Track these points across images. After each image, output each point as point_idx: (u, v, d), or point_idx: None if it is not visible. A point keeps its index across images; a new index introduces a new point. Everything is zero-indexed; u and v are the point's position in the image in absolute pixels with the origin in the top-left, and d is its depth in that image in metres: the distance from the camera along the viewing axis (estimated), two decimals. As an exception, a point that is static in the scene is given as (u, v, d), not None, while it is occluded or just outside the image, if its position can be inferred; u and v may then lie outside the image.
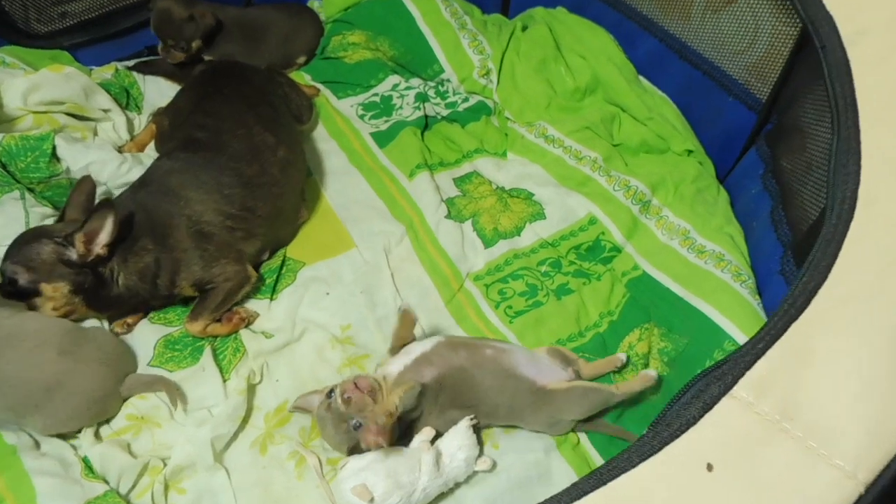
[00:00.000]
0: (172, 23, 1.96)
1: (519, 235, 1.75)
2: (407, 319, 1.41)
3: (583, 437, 1.41)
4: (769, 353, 0.62)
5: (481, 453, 1.33)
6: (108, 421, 1.40)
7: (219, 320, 1.52)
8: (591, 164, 1.82)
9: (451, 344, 1.38)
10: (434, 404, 1.32)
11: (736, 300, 1.46)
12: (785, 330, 0.63)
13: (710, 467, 0.56)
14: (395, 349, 1.40)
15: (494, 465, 1.34)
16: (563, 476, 1.35)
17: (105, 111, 1.87)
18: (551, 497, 0.56)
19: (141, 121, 1.97)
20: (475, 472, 1.32)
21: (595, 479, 0.54)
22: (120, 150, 1.83)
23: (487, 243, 1.73)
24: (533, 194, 1.81)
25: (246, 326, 1.55)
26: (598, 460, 1.39)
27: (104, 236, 1.37)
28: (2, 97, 1.71)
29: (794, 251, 1.40)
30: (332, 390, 1.28)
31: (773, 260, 1.47)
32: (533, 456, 1.37)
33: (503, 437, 1.40)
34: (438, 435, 1.32)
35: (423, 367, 1.33)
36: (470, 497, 1.31)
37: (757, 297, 1.47)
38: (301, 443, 1.38)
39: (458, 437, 1.28)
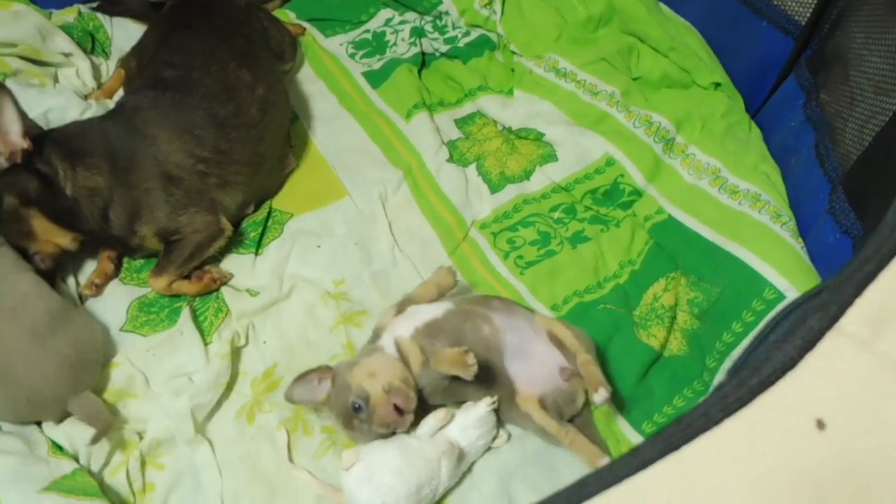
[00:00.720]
0: None
1: (528, 179, 1.59)
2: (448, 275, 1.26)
3: (604, 398, 1.27)
4: (883, 275, 0.46)
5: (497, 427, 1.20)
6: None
7: (187, 277, 1.37)
8: (607, 100, 1.65)
9: (461, 313, 1.22)
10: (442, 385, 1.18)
11: (776, 243, 1.29)
12: (903, 245, 0.47)
13: (820, 425, 0.40)
14: (403, 307, 1.25)
15: (509, 436, 1.20)
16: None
17: (66, 55, 1.70)
18: (610, 463, 0.40)
19: (109, 67, 1.81)
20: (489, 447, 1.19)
21: (662, 443, 0.39)
22: (86, 98, 1.67)
23: (494, 188, 1.57)
24: (543, 134, 1.64)
25: (218, 288, 1.40)
26: (623, 425, 1.25)
27: (10, 122, 1.25)
28: (-57, 38, 1.54)
29: (845, 187, 1.23)
30: (358, 405, 1.11)
31: (819, 199, 1.30)
32: (550, 421, 1.23)
33: (516, 400, 1.25)
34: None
35: (436, 333, 1.19)
36: (482, 471, 1.17)
37: (800, 240, 1.31)
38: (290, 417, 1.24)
39: (479, 426, 1.14)
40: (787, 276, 1.24)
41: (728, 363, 1.25)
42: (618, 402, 1.26)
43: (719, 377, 1.26)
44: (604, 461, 1.14)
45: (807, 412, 0.41)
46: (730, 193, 1.43)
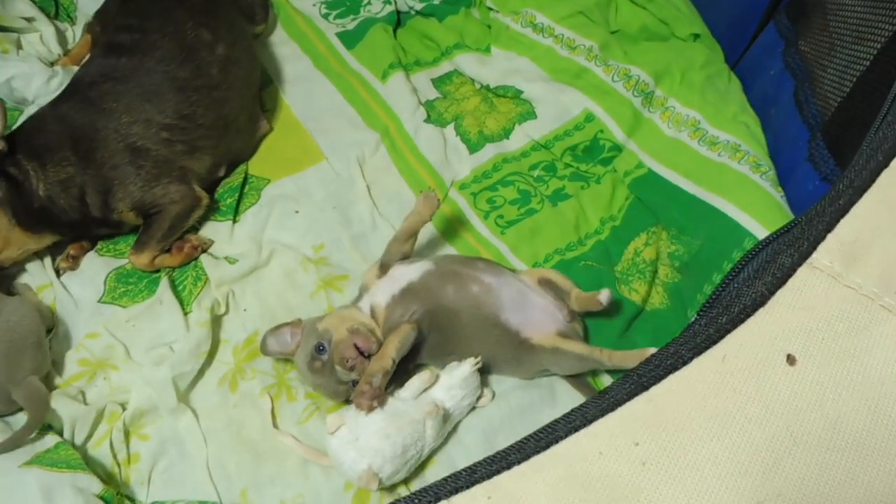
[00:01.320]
0: None
1: (507, 138, 1.57)
2: (429, 202, 1.24)
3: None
4: (856, 209, 0.45)
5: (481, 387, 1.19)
6: (57, 370, 1.25)
7: (168, 250, 1.35)
8: (585, 54, 1.62)
9: (441, 273, 1.21)
10: (424, 344, 1.18)
11: (756, 193, 1.29)
12: (874, 179, 0.46)
13: (790, 360, 0.40)
14: (401, 239, 1.25)
15: (493, 395, 1.20)
16: (569, 397, 1.22)
17: (28, 20, 1.64)
18: (580, 406, 0.39)
19: (75, 32, 1.75)
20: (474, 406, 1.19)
21: (631, 384, 0.38)
22: (52, 64, 1.62)
23: (473, 148, 1.55)
24: (521, 91, 1.61)
25: (199, 255, 1.38)
26: (607, 382, 1.25)
27: None
28: None
29: (825, 134, 1.22)
30: (321, 346, 1.11)
31: (799, 146, 1.29)
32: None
33: (500, 359, 1.25)
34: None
35: (410, 300, 1.18)
36: (467, 430, 1.18)
37: (779, 189, 1.30)
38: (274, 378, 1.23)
39: (463, 386, 1.14)
40: (767, 225, 1.24)
41: (709, 314, 1.26)
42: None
43: (700, 328, 1.26)
44: (651, 350, 1.14)
45: (778, 347, 0.40)
46: (709, 145, 1.42)
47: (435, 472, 1.14)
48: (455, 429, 1.18)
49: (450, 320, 1.18)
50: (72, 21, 1.77)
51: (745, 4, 1.59)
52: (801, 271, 0.43)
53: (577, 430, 0.38)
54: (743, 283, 0.43)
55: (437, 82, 1.68)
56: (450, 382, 1.14)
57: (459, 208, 1.45)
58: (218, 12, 1.50)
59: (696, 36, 1.64)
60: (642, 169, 1.46)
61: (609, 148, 1.52)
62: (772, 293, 0.42)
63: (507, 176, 1.50)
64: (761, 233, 1.23)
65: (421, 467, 1.14)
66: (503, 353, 1.19)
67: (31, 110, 1.50)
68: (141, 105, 1.33)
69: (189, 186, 1.36)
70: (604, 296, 1.15)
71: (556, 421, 0.40)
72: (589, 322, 1.30)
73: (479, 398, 1.19)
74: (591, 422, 0.38)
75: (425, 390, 1.15)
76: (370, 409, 1.07)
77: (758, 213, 1.25)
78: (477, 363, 1.15)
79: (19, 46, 1.63)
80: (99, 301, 1.34)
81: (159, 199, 1.32)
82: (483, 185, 1.49)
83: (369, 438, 1.06)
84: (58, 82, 1.52)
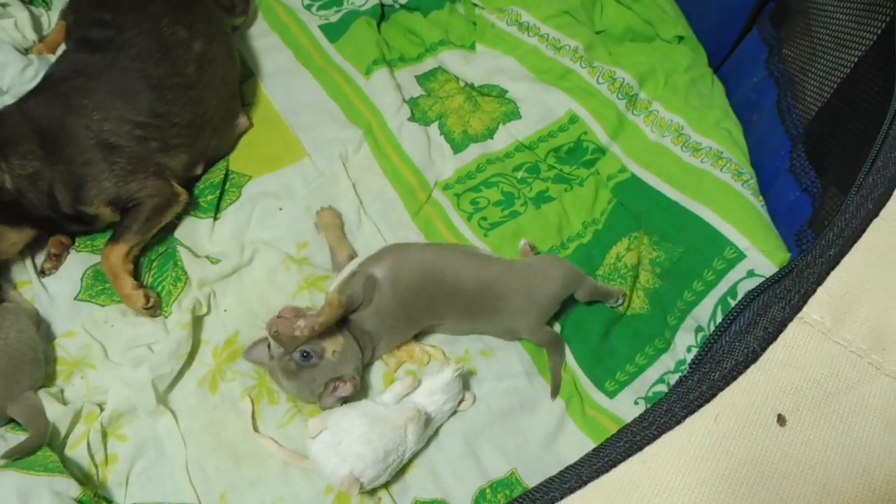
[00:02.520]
0: None
1: (491, 138, 1.56)
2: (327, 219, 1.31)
3: (568, 357, 1.29)
4: (846, 260, 0.45)
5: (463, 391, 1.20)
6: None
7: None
8: (570, 55, 1.61)
9: (399, 245, 1.27)
10: (399, 319, 1.20)
11: (738, 202, 1.30)
12: (864, 229, 0.46)
13: (781, 420, 0.40)
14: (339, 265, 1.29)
15: (475, 399, 1.21)
16: (549, 403, 1.24)
17: (3, 6, 1.60)
18: (573, 465, 0.40)
19: (51, 17, 1.70)
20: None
21: (625, 443, 0.38)
22: (27, 51, 1.58)
23: (456, 148, 1.54)
24: (506, 91, 1.60)
25: None
26: (585, 382, 1.27)
27: None
28: None
29: (806, 145, 1.23)
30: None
31: (780, 156, 1.31)
32: (513, 382, 1.26)
33: (480, 361, 1.26)
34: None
35: (371, 264, 1.21)
36: (448, 434, 1.19)
37: (760, 198, 1.32)
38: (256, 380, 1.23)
39: (445, 391, 1.15)
40: (747, 234, 1.25)
41: (690, 321, 1.27)
42: (581, 362, 1.28)
43: (680, 335, 1.28)
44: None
45: (769, 406, 0.41)
46: (692, 151, 1.43)
47: (415, 476, 1.15)
48: (436, 432, 1.18)
49: (423, 274, 1.20)
50: (47, 6, 1.72)
51: (728, 7, 1.59)
52: (792, 327, 0.44)
53: (572, 491, 0.38)
54: (735, 336, 0.43)
55: (422, 79, 1.67)
56: (432, 387, 1.15)
57: (443, 209, 1.45)
58: (194, 6, 1.46)
59: (681, 38, 1.64)
60: (625, 173, 1.46)
61: (592, 150, 1.52)
62: (763, 349, 0.42)
63: (490, 177, 1.49)
64: (742, 242, 1.25)
65: (402, 471, 1.14)
66: (494, 280, 1.22)
67: (4, 100, 1.46)
68: (112, 102, 1.30)
69: (166, 181, 1.33)
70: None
71: (551, 480, 0.41)
72: (569, 326, 1.31)
73: (460, 402, 1.19)
74: (586, 483, 0.38)
75: (407, 395, 1.15)
76: (290, 342, 1.08)
77: (739, 223, 1.26)
78: (458, 368, 1.16)
79: (-7, 33, 1.58)
80: (76, 298, 1.32)
81: (136, 193, 1.30)
82: (467, 186, 1.48)
83: (351, 443, 1.06)
84: (33, 71, 1.48)
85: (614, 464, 0.38)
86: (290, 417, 1.20)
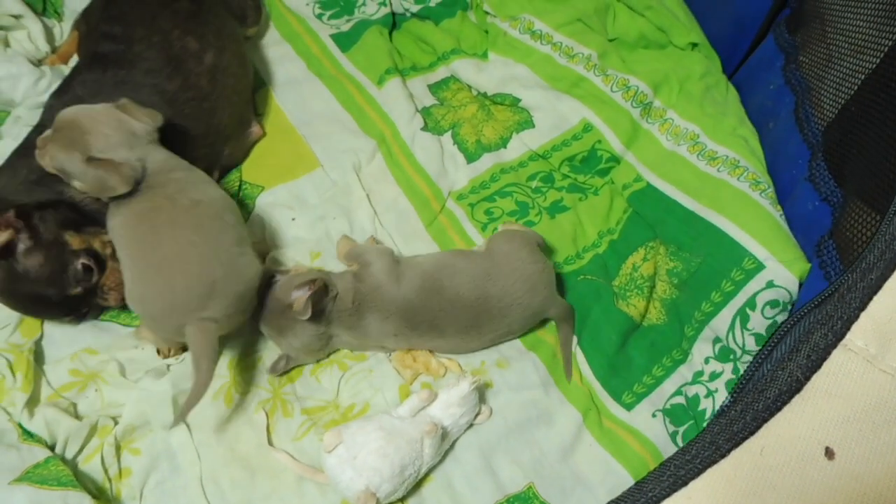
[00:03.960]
0: None
1: (505, 147, 1.56)
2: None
3: (585, 368, 1.27)
4: (889, 284, 0.44)
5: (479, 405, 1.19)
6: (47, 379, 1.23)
7: None
8: (584, 63, 1.60)
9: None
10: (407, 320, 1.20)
11: (756, 212, 1.29)
12: (907, 251, 0.45)
13: (829, 453, 0.39)
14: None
15: (491, 412, 1.20)
16: (566, 416, 1.22)
17: (16, 17, 1.60)
18: (615, 501, 0.39)
19: (63, 29, 1.70)
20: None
21: (670, 478, 0.37)
22: (40, 62, 1.58)
23: (470, 157, 1.53)
24: (519, 99, 1.59)
25: None
26: (602, 395, 1.25)
27: None
28: None
29: (825, 153, 1.22)
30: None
31: (798, 165, 1.29)
32: (529, 394, 1.24)
33: (496, 372, 1.25)
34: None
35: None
36: (464, 447, 1.17)
37: (778, 207, 1.30)
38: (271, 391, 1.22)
39: (462, 404, 1.14)
40: (766, 245, 1.24)
41: (708, 332, 1.26)
42: (598, 373, 1.27)
43: (697, 347, 1.27)
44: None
45: (816, 439, 0.39)
46: (708, 160, 1.42)
47: (432, 490, 1.14)
48: (452, 446, 1.17)
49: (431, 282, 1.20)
50: (59, 17, 1.72)
51: (743, 13, 1.58)
52: (836, 354, 0.42)
53: (616, 528, 0.37)
54: (777, 364, 0.42)
55: (434, 88, 1.66)
56: (448, 400, 1.14)
57: (457, 219, 1.44)
58: (205, 17, 1.45)
59: (695, 45, 1.63)
60: (641, 182, 1.45)
61: (607, 159, 1.51)
62: (807, 378, 0.41)
63: (504, 187, 1.49)
64: (761, 252, 1.24)
65: (418, 485, 1.13)
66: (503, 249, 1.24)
67: (19, 111, 1.46)
68: None
69: None
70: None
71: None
72: (586, 336, 1.30)
73: (476, 415, 1.18)
74: (630, 521, 0.37)
75: (423, 408, 1.14)
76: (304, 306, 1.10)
77: (757, 233, 1.25)
78: (475, 381, 1.15)
79: (7, 44, 1.58)
80: (98, 318, 1.30)
81: None
82: (481, 196, 1.47)
83: (367, 457, 1.05)
84: (46, 83, 1.47)
85: (658, 500, 0.36)
86: (304, 431, 1.19)
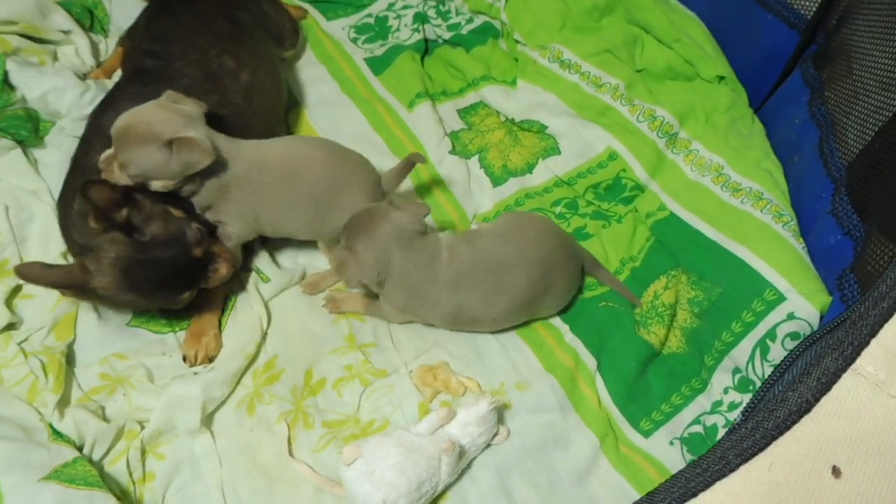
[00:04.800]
0: None
1: (531, 173, 1.58)
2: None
3: (603, 393, 1.28)
4: (900, 312, 0.46)
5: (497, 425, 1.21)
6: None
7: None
8: (611, 92, 1.63)
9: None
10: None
11: (778, 244, 1.30)
12: (918, 280, 0.47)
13: (836, 472, 0.40)
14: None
15: (509, 433, 1.21)
16: (583, 440, 1.23)
17: (65, 33, 1.67)
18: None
19: (108, 44, 1.77)
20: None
21: (679, 489, 0.39)
22: (84, 76, 1.64)
23: (496, 181, 1.56)
24: (546, 126, 1.62)
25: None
26: (620, 420, 1.26)
27: None
28: (-56, 17, 1.51)
29: (848, 188, 1.23)
30: None
31: (822, 199, 1.30)
32: (547, 417, 1.25)
33: (515, 394, 1.27)
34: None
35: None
36: (481, 467, 1.19)
37: (801, 240, 1.31)
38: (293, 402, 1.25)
39: (480, 424, 1.15)
40: (787, 277, 1.24)
41: (727, 362, 1.26)
42: (616, 398, 1.27)
43: (717, 376, 1.27)
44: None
45: (823, 458, 0.41)
46: (732, 191, 1.43)
47: (447, 508, 1.15)
48: (469, 465, 1.19)
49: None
50: (105, 33, 1.79)
51: (770, 49, 1.60)
52: (846, 378, 0.44)
53: (626, 534, 0.39)
54: (788, 386, 0.44)
55: (463, 113, 1.70)
56: (466, 419, 1.15)
57: (481, 242, 1.46)
58: (242, 37, 1.51)
59: (721, 78, 1.65)
60: (664, 211, 1.47)
61: (631, 187, 1.53)
62: (816, 399, 0.43)
63: (529, 211, 1.51)
64: (782, 284, 1.24)
65: (433, 502, 1.14)
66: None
67: (64, 122, 1.52)
68: None
69: None
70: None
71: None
72: (605, 361, 1.31)
73: (494, 435, 1.20)
74: (640, 528, 0.39)
75: (442, 426, 1.16)
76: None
77: (779, 265, 1.26)
78: (494, 402, 1.16)
79: (55, 58, 1.65)
80: (127, 324, 1.34)
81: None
82: (505, 220, 1.50)
83: (385, 472, 1.07)
84: (90, 97, 1.53)
85: (667, 511, 0.38)
86: (325, 443, 1.21)
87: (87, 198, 1.11)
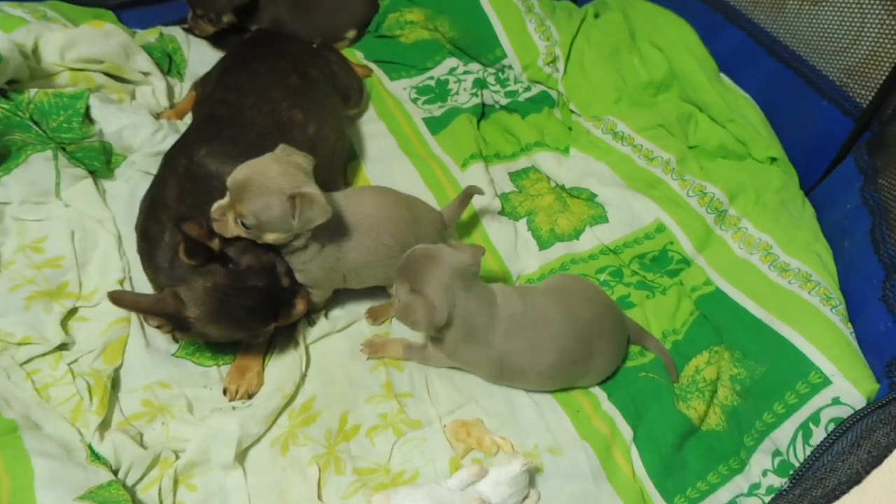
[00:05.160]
0: None
1: (577, 239, 1.60)
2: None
3: (638, 464, 1.26)
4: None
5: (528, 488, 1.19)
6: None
7: None
8: (662, 166, 1.66)
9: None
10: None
11: (825, 326, 1.28)
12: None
13: (883, 545, 0.40)
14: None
15: (539, 497, 1.20)
16: (615, 507, 1.20)
17: (145, 74, 1.78)
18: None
19: (182, 88, 1.88)
20: (518, 505, 1.18)
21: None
22: (158, 116, 1.74)
23: (542, 245, 1.58)
24: (596, 195, 1.65)
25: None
26: (654, 495, 1.24)
27: None
28: (39, 51, 1.62)
29: (901, 276, 1.22)
30: None
31: (872, 284, 1.29)
32: (580, 484, 1.23)
33: (548, 458, 1.25)
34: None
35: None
36: (510, 528, 1.16)
37: (849, 325, 1.29)
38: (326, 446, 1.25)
39: (512, 484, 1.14)
40: (834, 361, 1.22)
41: (768, 443, 1.24)
42: (651, 472, 1.25)
43: (756, 457, 1.24)
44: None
45: (872, 530, 0.41)
46: (780, 271, 1.42)
47: (472, 566, 1.13)
48: (496, 533, 1.17)
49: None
50: (181, 77, 1.90)
51: (824, 134, 1.61)
52: (897, 452, 0.44)
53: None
54: (837, 456, 0.44)
55: (514, 176, 1.74)
56: (498, 479, 1.14)
57: (524, 302, 1.48)
58: (312, 92, 1.59)
59: (774, 159, 1.66)
60: (710, 286, 1.46)
61: (677, 261, 1.54)
62: (867, 472, 0.43)
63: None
64: (828, 368, 1.22)
65: (459, 561, 1.13)
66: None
67: (135, 157, 1.61)
68: None
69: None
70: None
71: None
72: (641, 432, 1.29)
73: (524, 498, 1.18)
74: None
75: (472, 483, 1.15)
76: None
77: (826, 348, 1.23)
78: (526, 463, 1.15)
79: (133, 97, 1.75)
80: (173, 354, 1.37)
81: None
82: (549, 282, 1.51)
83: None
84: (162, 135, 1.62)
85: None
86: (354, 490, 1.21)
87: (182, 233, 1.15)
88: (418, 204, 1.41)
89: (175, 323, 1.21)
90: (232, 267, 1.20)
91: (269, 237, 1.22)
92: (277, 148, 1.25)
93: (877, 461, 0.43)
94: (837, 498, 0.42)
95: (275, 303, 1.25)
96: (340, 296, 1.48)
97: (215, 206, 1.20)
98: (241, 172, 1.19)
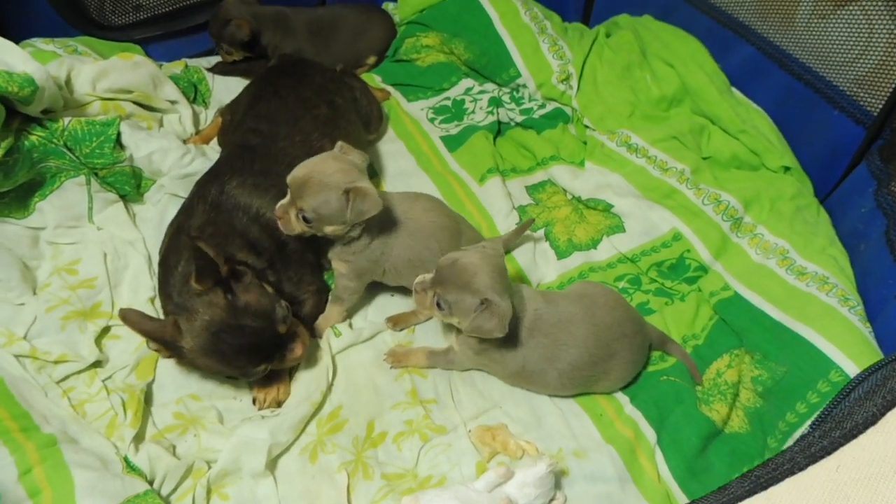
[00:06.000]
0: (216, 22, 1.97)
1: (595, 248, 1.63)
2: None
3: (663, 467, 1.27)
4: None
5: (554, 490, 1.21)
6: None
7: None
8: (677, 176, 1.69)
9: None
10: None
11: (844, 326, 1.29)
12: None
13: (901, 478, 0.42)
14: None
15: (565, 500, 1.21)
16: (641, 509, 1.20)
17: (172, 102, 1.85)
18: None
19: (207, 115, 1.94)
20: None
21: (750, 483, 0.41)
22: (185, 142, 1.80)
23: (561, 254, 1.61)
24: (612, 206, 1.68)
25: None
26: (679, 496, 1.24)
27: None
28: (72, 82, 1.69)
29: (916, 274, 1.23)
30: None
31: (888, 284, 1.31)
32: (605, 487, 1.24)
33: (573, 461, 1.26)
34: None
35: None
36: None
37: (867, 324, 1.31)
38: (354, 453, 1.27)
39: (538, 485, 1.16)
40: (854, 359, 1.23)
41: (790, 442, 1.24)
42: (676, 474, 1.26)
43: (781, 457, 1.25)
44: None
45: (888, 463, 0.43)
46: (797, 274, 1.44)
47: (500, 569, 1.14)
48: (522, 535, 1.18)
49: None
50: (205, 105, 1.97)
51: (836, 143, 1.64)
52: (911, 395, 0.46)
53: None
54: (854, 402, 0.46)
55: (531, 189, 1.77)
56: (524, 480, 1.16)
57: (545, 311, 1.50)
58: (339, 121, 1.64)
59: (787, 168, 1.69)
60: (728, 291, 1.48)
61: (695, 268, 1.56)
62: (883, 414, 0.45)
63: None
64: (849, 366, 1.23)
65: (487, 562, 1.14)
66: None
67: (163, 181, 1.66)
68: (272, 204, 1.37)
69: (320, 277, 1.50)
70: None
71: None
72: (665, 436, 1.30)
73: (550, 500, 1.19)
74: (711, 515, 0.41)
75: (500, 485, 1.16)
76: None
77: (845, 346, 1.25)
78: (552, 464, 1.16)
79: (161, 124, 1.82)
80: None
81: (300, 293, 1.45)
82: (568, 291, 1.53)
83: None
84: (189, 158, 1.68)
85: (739, 499, 0.40)
86: (382, 495, 1.22)
87: (197, 251, 1.19)
88: (463, 220, 1.48)
89: (171, 350, 1.25)
90: (231, 299, 1.23)
91: (328, 229, 1.29)
92: (335, 146, 1.32)
93: (891, 404, 0.45)
94: (855, 437, 0.44)
95: (268, 346, 1.27)
96: (364, 307, 1.52)
97: (278, 205, 1.29)
98: (301, 171, 1.27)
